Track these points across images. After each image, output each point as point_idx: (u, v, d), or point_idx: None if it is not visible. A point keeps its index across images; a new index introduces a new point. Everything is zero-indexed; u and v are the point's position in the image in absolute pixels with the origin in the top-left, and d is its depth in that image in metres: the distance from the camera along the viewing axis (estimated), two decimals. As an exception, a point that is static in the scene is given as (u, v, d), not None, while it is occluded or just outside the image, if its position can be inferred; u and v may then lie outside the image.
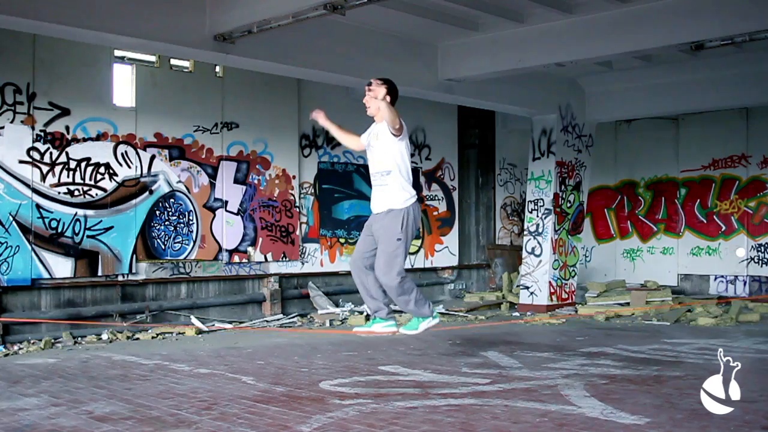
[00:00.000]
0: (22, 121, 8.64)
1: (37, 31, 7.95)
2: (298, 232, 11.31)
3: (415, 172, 12.89)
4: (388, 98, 5.70)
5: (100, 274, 9.21)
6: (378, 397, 5.55)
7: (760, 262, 13.34)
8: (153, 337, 9.02)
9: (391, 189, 5.60)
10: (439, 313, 11.52)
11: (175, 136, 9.98)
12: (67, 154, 8.97)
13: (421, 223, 13.08)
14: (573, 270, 12.80)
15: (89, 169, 9.16)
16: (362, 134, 6.04)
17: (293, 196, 11.27)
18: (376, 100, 5.64)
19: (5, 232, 8.42)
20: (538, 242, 12.44)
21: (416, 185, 12.72)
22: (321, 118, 6.03)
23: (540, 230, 12.44)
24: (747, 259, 13.47)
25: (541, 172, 12.53)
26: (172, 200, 9.94)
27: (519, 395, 5.61)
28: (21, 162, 8.61)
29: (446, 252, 13.64)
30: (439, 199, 13.58)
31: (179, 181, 10.01)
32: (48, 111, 8.84)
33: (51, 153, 8.85)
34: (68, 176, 8.98)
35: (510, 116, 14.21)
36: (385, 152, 5.62)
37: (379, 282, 5.70)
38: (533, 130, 12.69)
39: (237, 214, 10.61)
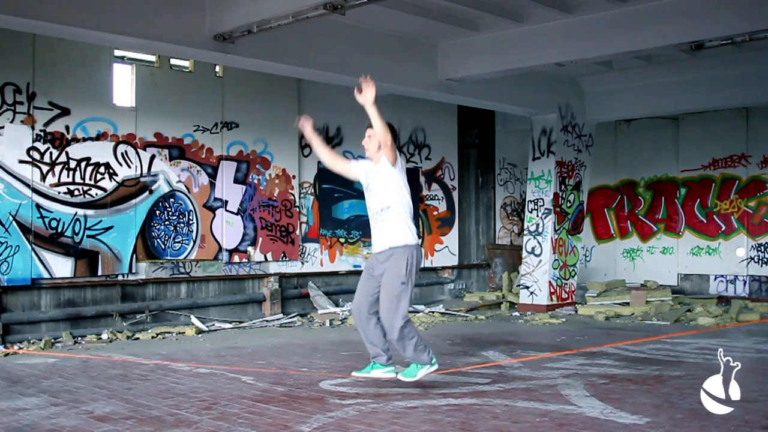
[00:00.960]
0: (22, 121, 8.64)
1: (37, 31, 7.95)
2: (298, 232, 11.31)
3: (415, 171, 12.91)
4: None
5: (100, 273, 9.21)
6: (378, 396, 5.55)
7: (760, 261, 13.34)
8: (153, 337, 9.02)
9: (392, 224, 5.39)
10: (439, 313, 11.58)
11: (175, 135, 9.98)
12: (67, 153, 8.97)
13: (421, 223, 13.10)
14: (573, 270, 12.81)
15: (89, 168, 9.16)
16: (353, 161, 5.94)
17: (293, 195, 11.27)
18: (379, 146, 5.47)
19: (5, 232, 8.42)
20: (538, 242, 12.44)
21: (416, 185, 12.76)
22: (307, 130, 5.85)
23: (540, 230, 12.44)
24: (747, 259, 13.47)
25: (541, 171, 12.54)
26: (172, 200, 9.93)
27: (519, 395, 5.61)
28: (21, 162, 8.61)
29: (446, 252, 13.64)
30: (439, 199, 13.58)
31: (179, 181, 10.01)
32: (48, 111, 8.84)
33: (51, 153, 8.85)
34: (68, 176, 8.98)
35: (510, 116, 14.21)
36: (384, 187, 5.45)
37: (379, 328, 5.52)
38: (533, 130, 12.69)
39: (237, 213, 10.61)
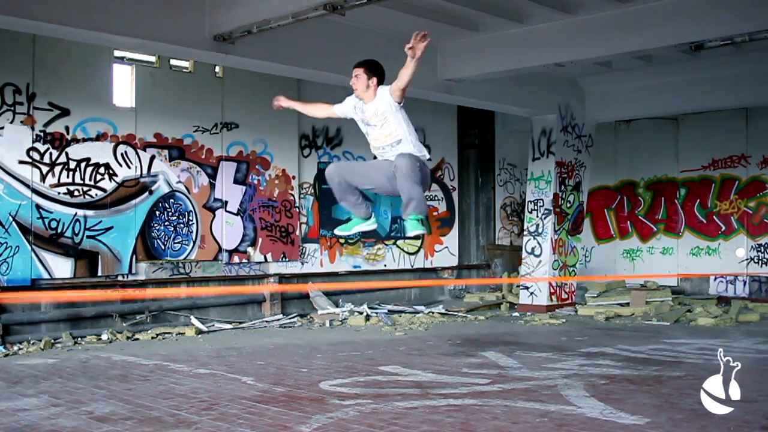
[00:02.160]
0: (21, 122, 8.64)
1: (36, 32, 7.95)
2: (297, 233, 11.31)
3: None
4: (375, 79, 5.68)
5: (99, 274, 9.21)
6: (378, 397, 5.56)
7: (760, 262, 13.34)
8: (153, 338, 9.02)
9: (406, 148, 5.53)
10: (439, 313, 11.58)
11: (174, 136, 9.98)
12: (66, 154, 8.97)
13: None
14: (573, 270, 12.80)
15: (89, 169, 9.16)
16: (335, 105, 5.99)
17: (293, 196, 11.27)
18: (367, 85, 5.63)
19: (5, 233, 8.42)
20: (538, 242, 12.44)
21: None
22: (283, 101, 6.11)
23: (540, 230, 12.44)
24: (747, 259, 13.46)
25: (540, 172, 12.53)
26: (171, 200, 9.93)
27: (519, 395, 5.61)
28: (21, 162, 8.61)
29: (446, 252, 13.64)
30: (438, 200, 13.58)
31: (179, 182, 10.01)
32: (48, 111, 8.84)
33: (51, 153, 8.84)
34: (68, 176, 8.98)
35: (510, 116, 14.20)
36: (391, 125, 5.58)
37: (358, 191, 5.73)
38: (533, 131, 12.69)
39: (237, 214, 10.61)
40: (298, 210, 11.33)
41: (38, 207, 8.71)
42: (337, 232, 6.03)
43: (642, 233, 14.79)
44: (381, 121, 5.60)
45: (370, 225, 5.77)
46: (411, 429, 4.67)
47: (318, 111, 6.19)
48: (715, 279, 13.79)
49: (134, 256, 9.50)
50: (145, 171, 9.67)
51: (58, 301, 8.94)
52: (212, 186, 10.35)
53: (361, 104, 5.70)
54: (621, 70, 12.00)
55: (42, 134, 8.78)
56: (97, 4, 7.33)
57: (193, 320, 9.87)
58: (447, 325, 10.57)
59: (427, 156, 5.65)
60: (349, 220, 5.99)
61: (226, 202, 10.49)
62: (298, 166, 11.37)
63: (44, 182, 8.77)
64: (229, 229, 10.50)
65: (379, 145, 5.67)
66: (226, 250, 10.45)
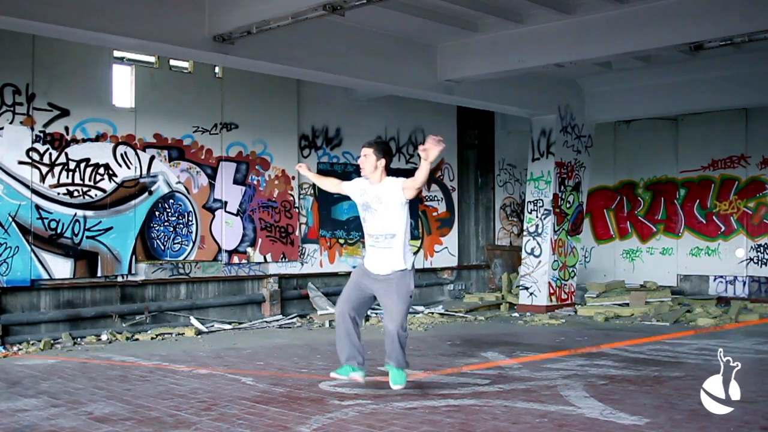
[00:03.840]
0: (21, 122, 8.64)
1: (36, 32, 7.94)
2: (297, 233, 11.31)
3: (414, 172, 12.87)
4: (383, 161, 5.71)
5: (99, 274, 9.21)
6: (377, 397, 5.56)
7: (760, 262, 13.34)
8: (152, 338, 9.02)
9: (396, 252, 5.61)
10: (439, 314, 11.60)
11: (174, 136, 9.98)
12: (66, 154, 8.97)
13: (420, 224, 13.11)
14: (572, 270, 12.81)
15: (89, 169, 9.16)
16: (343, 182, 6.13)
17: (292, 196, 11.27)
18: (375, 166, 5.69)
19: (5, 233, 8.42)
20: (538, 243, 12.44)
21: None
22: (303, 170, 6.42)
23: (539, 231, 12.44)
24: (746, 260, 13.46)
25: (540, 172, 12.54)
26: (171, 201, 9.93)
27: (518, 396, 5.61)
28: (20, 163, 8.61)
29: (446, 253, 13.64)
30: (438, 200, 13.58)
31: (179, 182, 10.01)
32: (47, 112, 8.84)
33: (50, 154, 8.84)
34: (68, 177, 8.98)
35: (509, 117, 14.21)
36: (391, 216, 5.64)
37: (357, 332, 5.74)
38: (532, 131, 12.69)
39: (236, 214, 10.61)
40: (297, 210, 11.33)
41: (38, 207, 8.70)
42: (332, 374, 5.92)
43: (642, 234, 14.79)
44: (382, 209, 5.64)
45: (361, 376, 5.75)
46: (410, 429, 4.67)
47: (329, 184, 6.35)
48: (715, 279, 13.79)
49: (134, 257, 9.50)
50: (144, 171, 9.67)
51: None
52: (212, 186, 10.36)
53: (367, 185, 5.76)
54: (621, 70, 12.00)
55: (42, 135, 8.78)
56: (97, 4, 7.33)
57: (193, 321, 9.87)
58: (446, 325, 10.58)
59: (410, 267, 5.68)
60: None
61: (226, 203, 10.49)
62: (298, 166, 11.35)
63: (44, 183, 8.77)
64: (228, 230, 10.50)
65: (373, 233, 5.72)
66: (226, 251, 10.45)
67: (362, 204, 5.80)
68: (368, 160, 5.70)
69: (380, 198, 5.66)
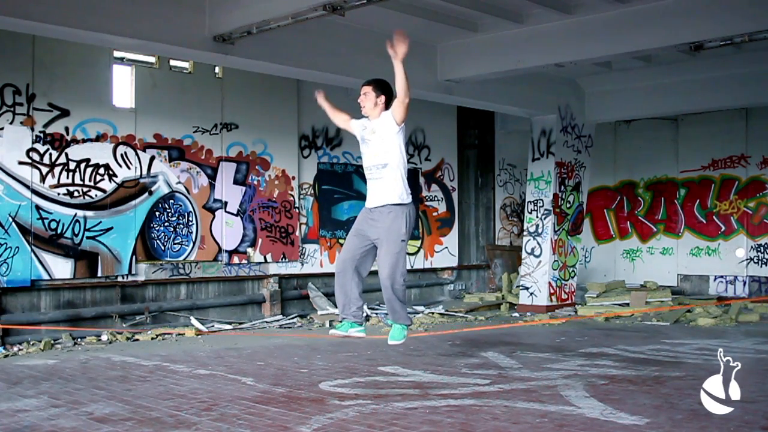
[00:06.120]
0: (21, 122, 8.64)
1: (36, 32, 7.95)
2: (297, 233, 11.31)
3: (415, 172, 12.90)
4: (383, 98, 5.62)
5: (99, 275, 9.21)
6: (377, 397, 5.56)
7: (760, 262, 13.34)
8: (152, 338, 9.01)
9: (388, 182, 5.46)
10: (439, 314, 11.58)
11: (174, 137, 9.98)
12: (66, 155, 8.97)
13: (421, 224, 13.11)
14: (572, 270, 12.80)
15: (89, 170, 9.16)
16: (353, 119, 5.93)
17: (293, 196, 11.27)
18: (375, 103, 5.58)
19: (5, 233, 8.42)
20: (538, 243, 12.44)
21: (415, 186, 12.76)
22: (320, 98, 6.08)
23: (539, 231, 12.44)
24: (746, 260, 13.46)
25: (540, 172, 12.54)
26: (171, 201, 9.93)
27: (519, 396, 5.61)
28: (20, 163, 8.61)
29: (446, 253, 13.64)
30: (438, 200, 13.58)
31: (179, 182, 10.01)
32: (47, 112, 8.84)
33: (50, 154, 8.85)
34: (68, 177, 8.98)
35: (509, 117, 14.21)
36: (382, 145, 5.51)
37: (359, 286, 5.59)
38: (533, 131, 12.69)
39: (236, 215, 10.61)
40: (297, 210, 11.33)
41: (38, 208, 8.70)
42: (331, 332, 5.88)
43: (642, 233, 14.79)
44: (376, 138, 5.53)
45: (360, 332, 5.64)
46: (411, 429, 4.67)
47: (338, 118, 6.03)
48: (715, 279, 13.79)
49: (134, 257, 9.50)
50: (144, 172, 9.67)
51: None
52: (212, 186, 10.36)
53: (367, 121, 5.66)
54: (621, 70, 12.00)
55: (42, 135, 8.78)
56: (96, 4, 7.34)
57: (193, 321, 9.87)
58: (447, 325, 10.57)
59: (410, 197, 5.52)
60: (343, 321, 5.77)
61: (226, 203, 10.49)
62: (298, 166, 11.36)
63: (44, 183, 8.77)
64: (228, 230, 10.50)
65: (368, 164, 5.60)
66: (226, 251, 10.45)
67: (360, 138, 5.71)
68: (368, 97, 5.60)
69: (374, 129, 5.55)
